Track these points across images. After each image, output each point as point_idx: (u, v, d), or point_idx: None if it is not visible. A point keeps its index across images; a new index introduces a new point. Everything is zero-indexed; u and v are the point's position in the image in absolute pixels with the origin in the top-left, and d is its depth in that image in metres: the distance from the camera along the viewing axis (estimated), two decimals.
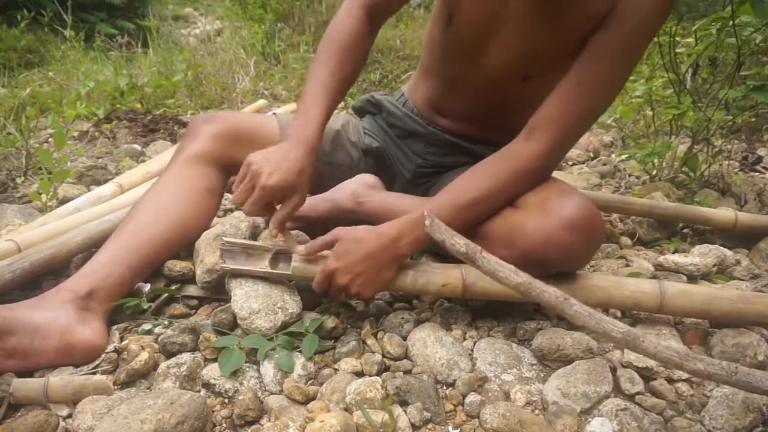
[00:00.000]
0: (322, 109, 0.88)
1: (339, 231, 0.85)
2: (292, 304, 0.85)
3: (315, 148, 0.87)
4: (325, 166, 1.16)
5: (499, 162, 0.87)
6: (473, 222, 0.86)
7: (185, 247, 0.99)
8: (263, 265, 0.86)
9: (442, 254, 0.96)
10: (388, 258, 0.83)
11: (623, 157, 1.69)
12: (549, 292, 0.68)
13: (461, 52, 1.02)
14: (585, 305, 0.68)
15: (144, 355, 0.76)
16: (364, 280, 0.82)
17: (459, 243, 0.73)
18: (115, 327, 0.86)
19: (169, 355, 0.80)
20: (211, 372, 0.75)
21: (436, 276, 0.86)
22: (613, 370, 0.79)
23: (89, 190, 1.45)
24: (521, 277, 0.70)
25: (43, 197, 1.31)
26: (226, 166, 1.03)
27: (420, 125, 1.16)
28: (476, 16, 0.94)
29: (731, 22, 1.33)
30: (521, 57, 0.95)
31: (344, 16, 0.95)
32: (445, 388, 0.78)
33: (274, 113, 1.18)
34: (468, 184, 0.86)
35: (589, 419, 0.71)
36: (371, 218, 1.07)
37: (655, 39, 1.62)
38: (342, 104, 3.09)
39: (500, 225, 0.85)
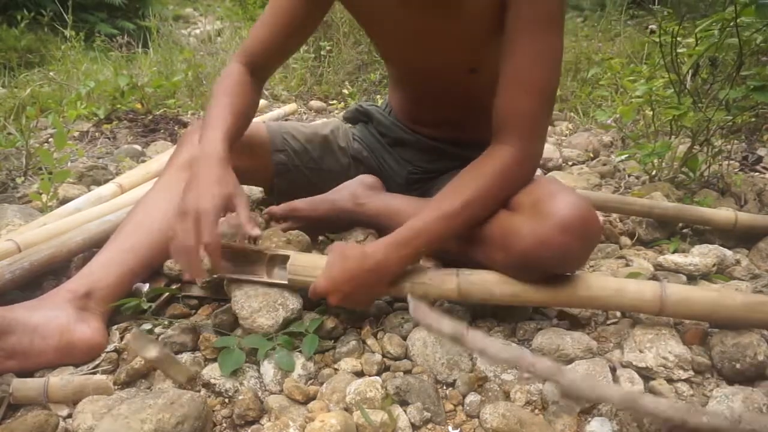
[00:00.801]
0: (223, 127, 0.85)
1: (333, 246, 0.86)
2: (292, 300, 0.85)
3: (225, 157, 0.82)
4: (314, 173, 1.17)
5: (481, 166, 0.86)
6: (466, 228, 0.84)
7: None
8: (260, 272, 0.87)
9: (442, 257, 0.96)
10: (375, 279, 0.81)
11: (623, 157, 1.69)
12: (541, 364, 0.67)
13: (410, 81, 1.08)
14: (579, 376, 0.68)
15: None
16: (354, 300, 0.83)
17: (445, 325, 0.72)
18: (115, 327, 0.86)
19: None
20: (212, 372, 0.75)
21: (432, 289, 0.84)
22: (613, 369, 0.79)
23: (89, 190, 1.45)
24: (511, 352, 0.70)
25: (44, 197, 1.31)
26: None
27: (406, 133, 1.17)
28: (403, 56, 1.00)
29: (732, 23, 1.33)
30: (464, 58, 0.97)
31: (227, 71, 0.98)
32: (445, 387, 0.78)
33: (263, 121, 1.19)
34: (454, 192, 0.84)
35: (589, 419, 0.71)
36: (371, 219, 1.07)
37: (656, 39, 1.62)
38: (342, 104, 3.09)
39: (495, 228, 0.83)
